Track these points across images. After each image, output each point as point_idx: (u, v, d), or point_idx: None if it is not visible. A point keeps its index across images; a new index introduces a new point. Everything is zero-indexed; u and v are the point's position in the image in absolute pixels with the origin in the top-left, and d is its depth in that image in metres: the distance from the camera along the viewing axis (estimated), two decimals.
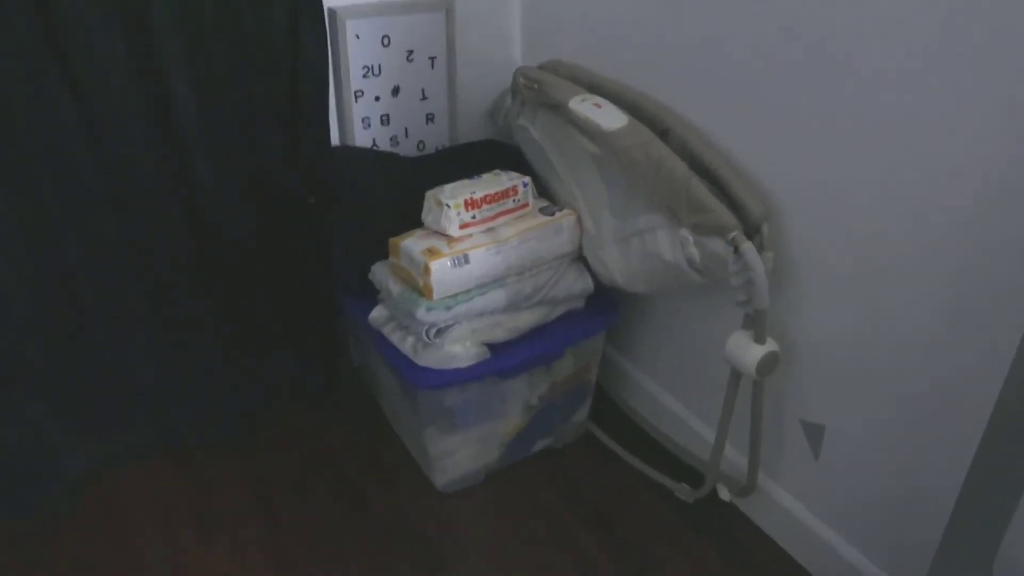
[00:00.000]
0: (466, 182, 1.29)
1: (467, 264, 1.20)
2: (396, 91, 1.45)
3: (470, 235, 1.25)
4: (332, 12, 1.32)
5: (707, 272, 1.12)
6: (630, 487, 1.39)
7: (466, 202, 1.23)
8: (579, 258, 1.35)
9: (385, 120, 1.46)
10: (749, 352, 1.10)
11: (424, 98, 1.49)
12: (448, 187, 1.27)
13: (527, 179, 1.30)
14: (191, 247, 1.36)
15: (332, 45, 1.34)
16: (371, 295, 1.35)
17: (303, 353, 1.57)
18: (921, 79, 0.87)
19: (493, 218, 1.27)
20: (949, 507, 0.84)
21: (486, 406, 1.34)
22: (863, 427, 1.09)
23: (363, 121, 1.44)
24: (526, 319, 1.30)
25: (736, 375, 1.18)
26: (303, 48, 1.30)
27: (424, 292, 1.20)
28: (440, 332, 1.22)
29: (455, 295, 1.22)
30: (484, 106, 1.58)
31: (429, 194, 1.26)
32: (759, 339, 1.10)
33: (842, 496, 1.16)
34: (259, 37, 1.27)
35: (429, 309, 1.20)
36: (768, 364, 1.11)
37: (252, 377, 1.53)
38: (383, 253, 1.31)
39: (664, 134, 1.18)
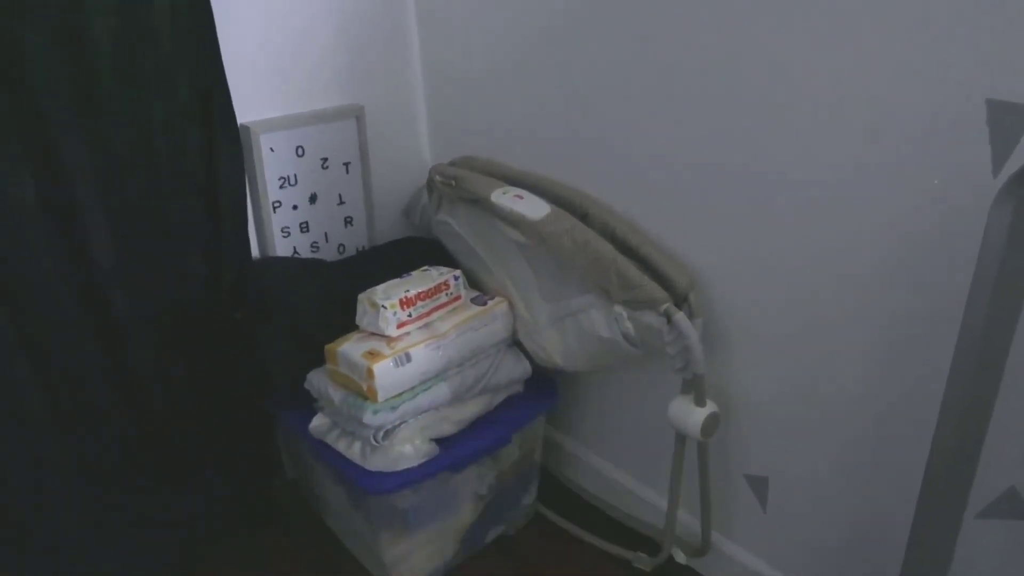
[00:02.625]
0: (397, 281, 1.31)
1: (409, 362, 1.21)
2: (313, 198, 1.46)
3: (408, 333, 1.26)
4: (245, 128, 1.33)
5: (643, 344, 1.18)
6: (589, 563, 1.40)
7: (401, 301, 1.24)
8: (514, 343, 1.38)
9: (304, 227, 1.47)
10: (692, 415, 1.16)
11: (341, 203, 1.50)
12: (380, 288, 1.28)
13: (457, 272, 1.33)
14: (112, 384, 1.30)
15: (247, 160, 1.35)
16: (306, 406, 1.32)
17: (237, 473, 1.50)
18: (820, 153, 0.97)
19: (428, 314, 1.29)
20: (900, 546, 0.90)
21: (439, 503, 1.32)
22: (806, 475, 1.15)
23: (283, 231, 1.44)
24: (471, 409, 1.31)
25: (681, 439, 1.22)
26: (219, 168, 1.30)
27: (368, 395, 1.19)
28: (388, 434, 1.21)
29: (399, 395, 1.22)
30: (399, 205, 1.61)
31: (362, 297, 1.27)
32: (699, 402, 1.16)
33: (795, 545, 1.21)
34: (174, 161, 1.26)
35: (376, 412, 1.19)
36: (711, 425, 1.16)
37: (186, 506, 1.45)
38: (317, 361, 1.30)
39: (584, 218, 1.25)
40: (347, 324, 1.29)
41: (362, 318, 1.27)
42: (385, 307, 1.22)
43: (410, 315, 1.26)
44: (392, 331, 1.24)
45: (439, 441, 1.26)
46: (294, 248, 1.47)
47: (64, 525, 1.31)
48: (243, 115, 1.33)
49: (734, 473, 1.25)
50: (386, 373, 1.19)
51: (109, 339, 1.28)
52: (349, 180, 1.50)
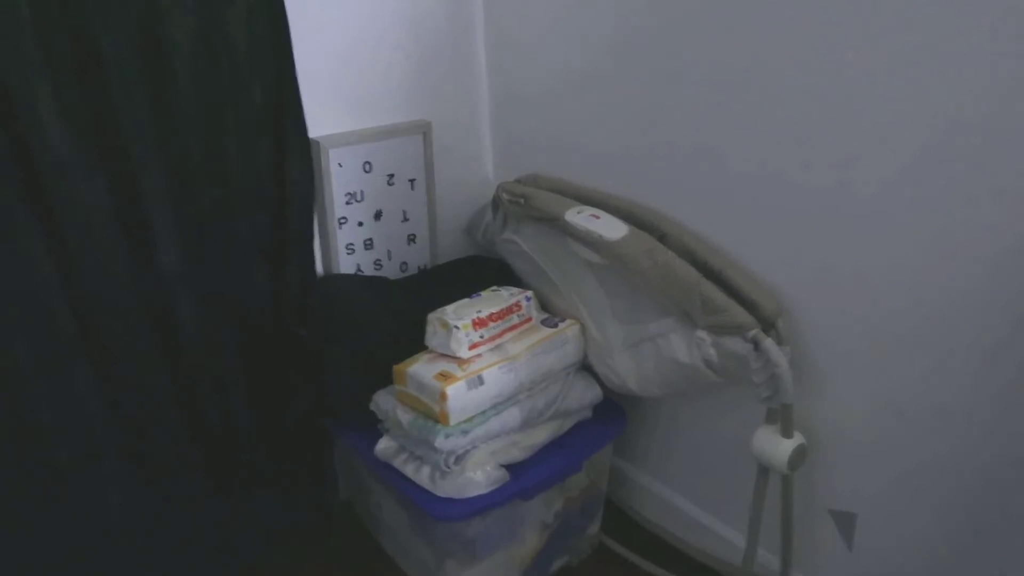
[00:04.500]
0: (467, 301, 1.27)
1: (482, 385, 1.17)
2: (379, 215, 1.43)
3: (479, 355, 1.22)
4: (314, 142, 1.31)
5: (726, 372, 1.13)
6: None
7: (474, 322, 1.21)
8: (583, 367, 1.34)
9: (369, 244, 1.44)
10: (779, 447, 1.11)
11: (405, 220, 1.48)
12: (450, 308, 1.25)
13: (529, 293, 1.29)
14: (170, 395, 1.28)
15: (315, 174, 1.33)
16: (367, 426, 1.29)
17: (292, 492, 1.47)
18: (916, 170, 0.93)
19: (500, 335, 1.25)
20: None
21: (505, 531, 1.28)
22: (900, 512, 1.09)
23: (347, 247, 1.41)
24: (541, 435, 1.26)
25: (764, 471, 1.17)
26: (288, 180, 1.28)
27: (440, 418, 1.16)
28: (459, 459, 1.17)
29: (471, 418, 1.18)
30: (462, 223, 1.59)
31: (432, 316, 1.23)
32: (786, 433, 1.11)
33: None
34: (244, 171, 1.24)
35: (447, 436, 1.15)
36: (798, 457, 1.11)
37: (238, 524, 1.42)
38: (381, 381, 1.27)
39: (661, 239, 1.21)
40: (413, 344, 1.26)
41: (432, 338, 1.24)
42: (458, 327, 1.19)
43: (482, 336, 1.22)
44: (464, 352, 1.20)
45: (508, 467, 1.22)
46: (357, 265, 1.44)
47: (115, 534, 1.28)
48: (312, 129, 1.31)
49: (817, 508, 1.19)
50: (459, 396, 1.15)
51: (170, 349, 1.26)
52: (414, 197, 1.48)
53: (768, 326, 1.09)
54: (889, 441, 1.07)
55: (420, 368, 1.20)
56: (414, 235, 1.50)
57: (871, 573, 1.15)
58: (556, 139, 1.45)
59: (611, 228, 1.20)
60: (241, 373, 1.34)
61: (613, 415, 1.35)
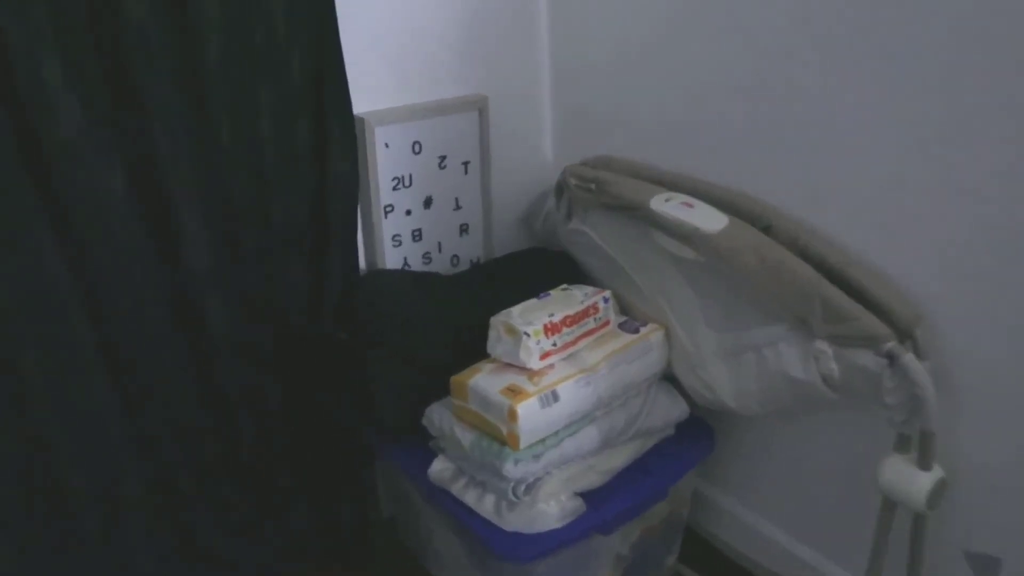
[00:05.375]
0: (535, 303, 1.11)
1: (556, 402, 1.01)
2: (428, 202, 1.27)
3: (551, 365, 1.05)
4: (359, 120, 1.14)
5: (848, 390, 0.95)
6: None
7: (546, 327, 1.04)
8: (665, 378, 1.17)
9: (417, 235, 1.27)
10: (916, 482, 0.93)
11: (458, 207, 1.31)
12: (516, 310, 1.08)
13: (607, 294, 1.12)
14: (198, 405, 1.13)
15: (360, 157, 1.16)
16: (416, 441, 1.13)
17: (330, 510, 1.32)
18: None
19: (574, 342, 1.08)
20: None
21: (576, 566, 1.11)
22: None
23: (394, 239, 1.25)
24: (620, 458, 1.10)
25: (890, 506, 0.99)
26: (330, 164, 1.12)
27: (508, 441, 0.99)
28: (530, 488, 1.01)
29: (542, 440, 1.02)
30: (517, 212, 1.41)
31: (496, 320, 1.07)
32: (925, 465, 0.93)
33: None
34: (280, 155, 1.08)
35: (517, 461, 0.99)
36: (938, 493, 0.93)
37: (270, 543, 1.27)
38: (432, 391, 1.11)
39: (767, 231, 1.03)
40: (471, 351, 1.10)
41: (495, 345, 1.07)
42: (528, 334, 1.02)
43: (554, 344, 1.05)
44: (535, 363, 1.03)
45: (583, 495, 1.06)
46: (404, 259, 1.28)
47: (138, 557, 1.13)
48: (356, 105, 1.14)
49: (950, 549, 1.02)
50: (531, 415, 0.98)
51: (198, 355, 1.11)
52: (467, 182, 1.31)
53: (904, 337, 0.91)
54: None
55: (483, 380, 1.03)
56: (467, 225, 1.34)
57: None
58: (629, 115, 1.26)
59: (708, 218, 1.02)
60: (277, 380, 1.18)
61: (699, 433, 1.18)
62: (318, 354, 1.19)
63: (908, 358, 0.88)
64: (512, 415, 0.97)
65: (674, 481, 1.13)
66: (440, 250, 1.32)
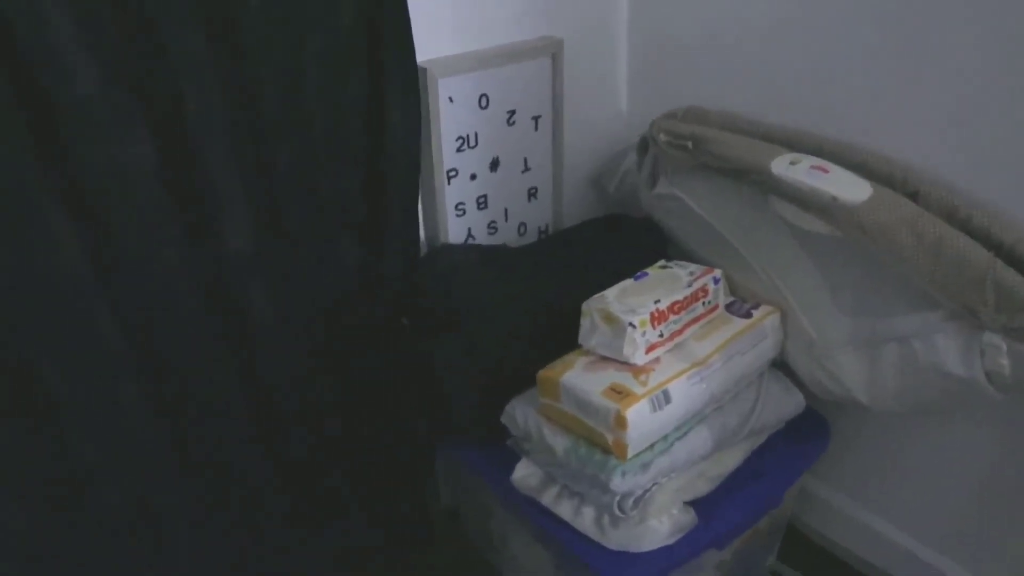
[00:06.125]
0: (630, 284, 0.95)
1: (668, 403, 0.86)
2: (495, 164, 1.10)
3: (657, 358, 0.91)
4: (421, 71, 0.97)
5: (1017, 388, 0.81)
6: None
7: (652, 316, 0.89)
8: (776, 366, 1.02)
9: (482, 203, 1.11)
10: None
11: (527, 169, 1.15)
12: (611, 294, 0.93)
13: (717, 273, 0.97)
14: (242, 407, 0.99)
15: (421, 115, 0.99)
16: (489, 438, 1.00)
17: (388, 507, 1.19)
18: None
19: (681, 331, 0.93)
20: None
21: None
22: None
23: (457, 208, 1.09)
24: (731, 460, 0.96)
25: None
26: (390, 124, 0.95)
27: (615, 450, 0.85)
28: (637, 501, 0.88)
29: (651, 446, 0.88)
30: (589, 173, 1.25)
31: (591, 307, 0.92)
32: None
33: None
34: (329, 114, 0.91)
35: (625, 473, 0.85)
36: None
37: (323, 555, 1.15)
38: (508, 383, 0.97)
39: (913, 200, 0.87)
40: (553, 339, 0.95)
41: (590, 335, 0.93)
42: (633, 325, 0.87)
43: (661, 335, 0.91)
44: (640, 358, 0.89)
45: (692, 504, 0.92)
46: (468, 230, 1.12)
47: None
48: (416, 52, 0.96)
49: None
50: (641, 420, 0.84)
51: (239, 350, 0.96)
52: (537, 140, 1.14)
53: None
54: None
55: (578, 377, 0.89)
56: (535, 189, 1.17)
57: None
58: (724, 50, 1.08)
59: (848, 186, 0.86)
60: (330, 375, 1.04)
61: (813, 427, 1.04)
62: (376, 344, 1.05)
63: None
64: (620, 422, 0.83)
65: (790, 484, 1.00)
66: (507, 218, 1.16)
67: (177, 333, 0.90)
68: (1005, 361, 0.79)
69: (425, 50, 0.98)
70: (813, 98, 0.99)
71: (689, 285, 0.94)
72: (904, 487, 1.08)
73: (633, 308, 0.89)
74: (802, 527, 1.21)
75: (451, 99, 1.01)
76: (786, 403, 0.99)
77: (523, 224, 1.18)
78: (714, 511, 0.92)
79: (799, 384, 1.01)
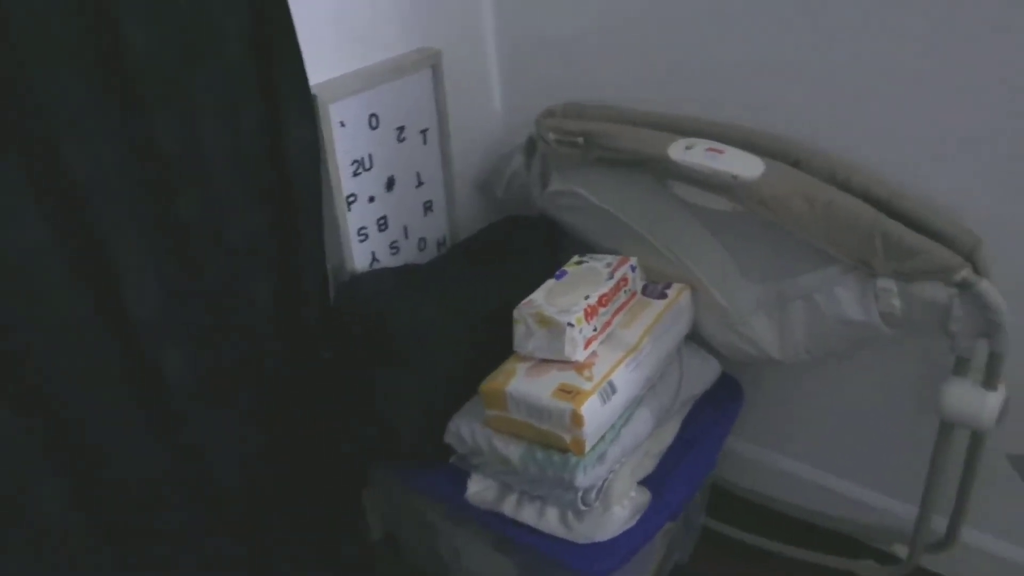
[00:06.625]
0: (555, 284, 0.98)
1: (615, 394, 0.89)
2: (391, 183, 1.08)
3: (594, 353, 0.94)
4: (311, 97, 0.93)
5: (909, 324, 0.91)
6: None
7: (586, 312, 0.92)
8: (689, 338, 1.08)
9: (382, 224, 1.09)
10: (985, 402, 0.92)
11: (420, 184, 1.13)
12: (539, 297, 0.95)
13: (633, 261, 1.01)
14: (170, 473, 0.91)
15: None
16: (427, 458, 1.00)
17: (327, 543, 1.15)
18: None
19: (610, 321, 0.97)
20: None
21: (643, 555, 1.03)
22: None
23: (359, 233, 1.05)
24: (668, 435, 1.02)
25: (947, 429, 0.99)
26: (291, 154, 0.90)
27: (573, 448, 0.87)
28: (599, 492, 0.90)
29: (602, 437, 0.91)
30: (476, 178, 1.25)
31: (523, 313, 0.93)
32: (991, 384, 0.92)
33: None
34: (230, 155, 0.85)
35: (587, 469, 0.87)
36: (1005, 412, 0.93)
37: None
38: (445, 402, 0.97)
39: (796, 167, 0.96)
40: (483, 351, 0.96)
41: (525, 341, 0.94)
42: (572, 324, 0.89)
43: (595, 329, 0.94)
44: (580, 355, 0.91)
45: (643, 483, 0.97)
46: (372, 254, 1.09)
47: None
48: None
49: (992, 454, 1.03)
50: (595, 415, 0.87)
51: (161, 418, 0.88)
52: (427, 153, 1.13)
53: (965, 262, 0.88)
54: None
55: (523, 384, 0.90)
56: (430, 202, 1.16)
57: None
58: (591, 48, 1.12)
59: (743, 164, 0.93)
60: (254, 421, 0.98)
61: (727, 390, 1.11)
62: (300, 384, 1.00)
63: (984, 284, 0.84)
64: (576, 420, 0.85)
65: (720, 446, 1.06)
66: (407, 235, 1.14)
67: (89, 412, 0.81)
68: (896, 302, 0.90)
69: (311, 72, 0.94)
70: (685, 83, 1.06)
71: (611, 276, 0.97)
72: (809, 428, 1.19)
73: (566, 308, 0.91)
74: (722, 483, 1.30)
75: (343, 123, 0.98)
76: (706, 372, 1.06)
77: (423, 239, 1.17)
78: (661, 486, 0.96)
79: (713, 352, 1.08)
